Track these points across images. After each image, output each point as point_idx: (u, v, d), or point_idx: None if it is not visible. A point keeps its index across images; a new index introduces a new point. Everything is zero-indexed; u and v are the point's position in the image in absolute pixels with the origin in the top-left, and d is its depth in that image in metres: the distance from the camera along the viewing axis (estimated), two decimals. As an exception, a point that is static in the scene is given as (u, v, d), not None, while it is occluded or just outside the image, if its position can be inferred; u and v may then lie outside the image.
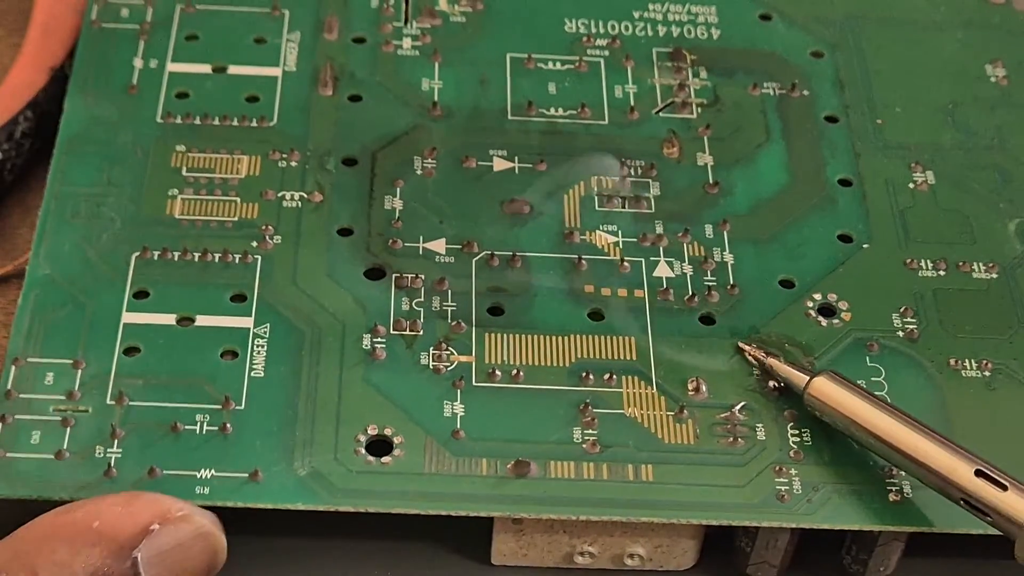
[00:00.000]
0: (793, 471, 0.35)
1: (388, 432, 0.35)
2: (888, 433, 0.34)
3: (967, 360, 0.37)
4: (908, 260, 0.39)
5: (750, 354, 0.36)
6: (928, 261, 0.39)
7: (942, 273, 0.39)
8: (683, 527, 0.35)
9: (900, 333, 0.37)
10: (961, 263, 0.39)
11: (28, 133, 0.42)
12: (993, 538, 0.35)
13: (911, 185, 0.41)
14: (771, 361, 0.36)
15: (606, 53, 0.43)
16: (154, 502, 0.32)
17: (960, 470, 0.33)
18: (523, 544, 0.36)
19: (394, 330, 0.37)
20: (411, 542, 0.37)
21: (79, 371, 0.36)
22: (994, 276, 0.39)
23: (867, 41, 0.44)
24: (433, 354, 0.36)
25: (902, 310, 0.38)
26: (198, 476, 0.34)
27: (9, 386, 0.35)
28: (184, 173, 0.40)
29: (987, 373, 0.37)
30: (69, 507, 0.32)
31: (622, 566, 0.36)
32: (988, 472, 0.33)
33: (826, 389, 0.35)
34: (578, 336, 0.37)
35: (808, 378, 0.35)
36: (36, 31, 0.44)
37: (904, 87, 0.43)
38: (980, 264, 0.39)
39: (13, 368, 0.36)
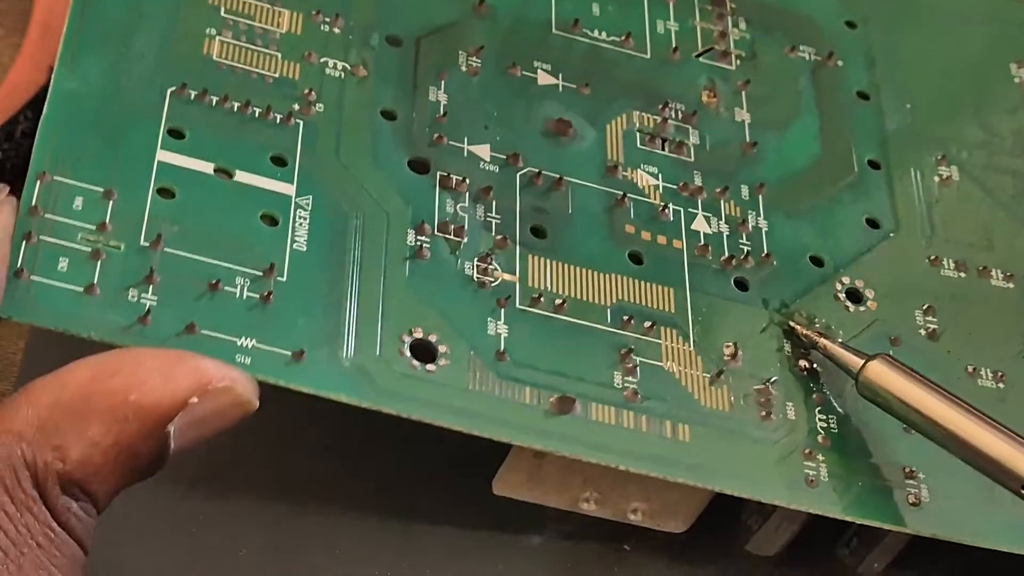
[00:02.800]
0: (820, 457, 0.34)
1: (433, 339, 0.33)
2: (944, 419, 0.34)
3: (983, 369, 0.37)
4: (932, 256, 0.39)
5: (802, 334, 0.36)
6: (950, 260, 0.39)
7: (963, 275, 0.39)
8: (699, 492, 0.34)
9: (922, 331, 0.37)
10: (981, 267, 0.39)
11: (28, 133, 0.40)
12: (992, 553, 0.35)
13: (936, 178, 0.40)
14: (824, 342, 0.35)
15: None
16: (196, 372, 0.29)
17: (1018, 458, 0.33)
18: (535, 479, 0.34)
19: (438, 232, 0.35)
20: (425, 452, 0.35)
21: (110, 202, 0.33)
22: (1010, 286, 0.39)
23: (897, 20, 0.43)
24: (478, 266, 0.35)
25: (925, 307, 0.38)
26: (239, 343, 0.32)
27: (34, 202, 0.32)
28: (222, 14, 0.37)
29: (1001, 385, 0.37)
30: (105, 368, 0.29)
31: (622, 518, 0.35)
32: None
33: (882, 373, 0.34)
34: (619, 276, 0.36)
35: (864, 361, 0.35)
36: (36, 31, 0.43)
37: (931, 74, 0.42)
38: (999, 271, 0.39)
39: (38, 184, 0.32)
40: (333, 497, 0.35)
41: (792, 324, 0.36)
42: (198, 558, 0.34)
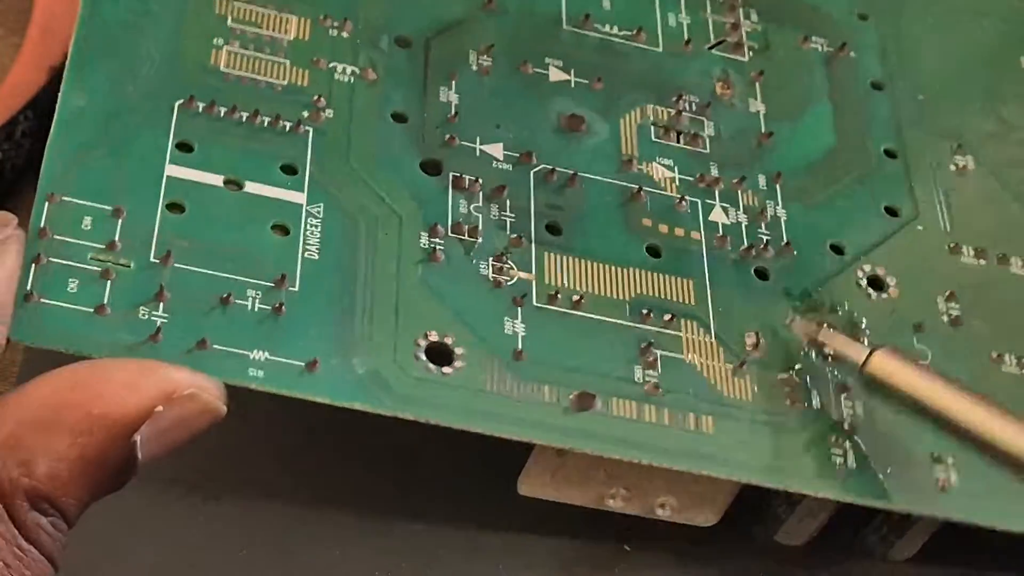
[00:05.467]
0: (847, 444, 0.34)
1: (449, 341, 0.33)
2: (950, 409, 0.34)
3: (1007, 355, 0.37)
4: (952, 244, 0.38)
5: (801, 330, 0.35)
6: (970, 248, 0.38)
7: (983, 262, 0.38)
8: (726, 483, 0.34)
9: (945, 317, 0.37)
10: (1000, 255, 0.38)
11: (28, 133, 0.40)
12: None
13: (953, 167, 0.40)
14: (826, 333, 0.35)
15: None
16: (162, 381, 0.29)
17: None
18: (558, 478, 0.34)
19: (452, 232, 0.35)
20: (427, 454, 0.35)
21: (119, 220, 0.32)
22: None
23: (908, 11, 0.43)
24: (493, 265, 0.34)
25: (947, 294, 0.37)
26: (251, 357, 0.31)
27: (43, 224, 0.32)
28: (229, 23, 0.37)
29: None
30: (68, 381, 0.29)
31: (650, 514, 0.35)
32: None
33: (885, 365, 0.34)
34: (637, 270, 0.35)
35: (867, 353, 0.34)
36: (36, 31, 0.43)
37: (943, 67, 0.42)
38: (1018, 259, 0.38)
39: (47, 205, 0.32)
40: (334, 497, 0.35)
41: (788, 323, 0.36)
42: (198, 558, 0.34)
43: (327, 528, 0.35)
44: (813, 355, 0.35)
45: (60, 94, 0.34)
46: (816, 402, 0.35)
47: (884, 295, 0.37)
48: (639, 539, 0.36)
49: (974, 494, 0.34)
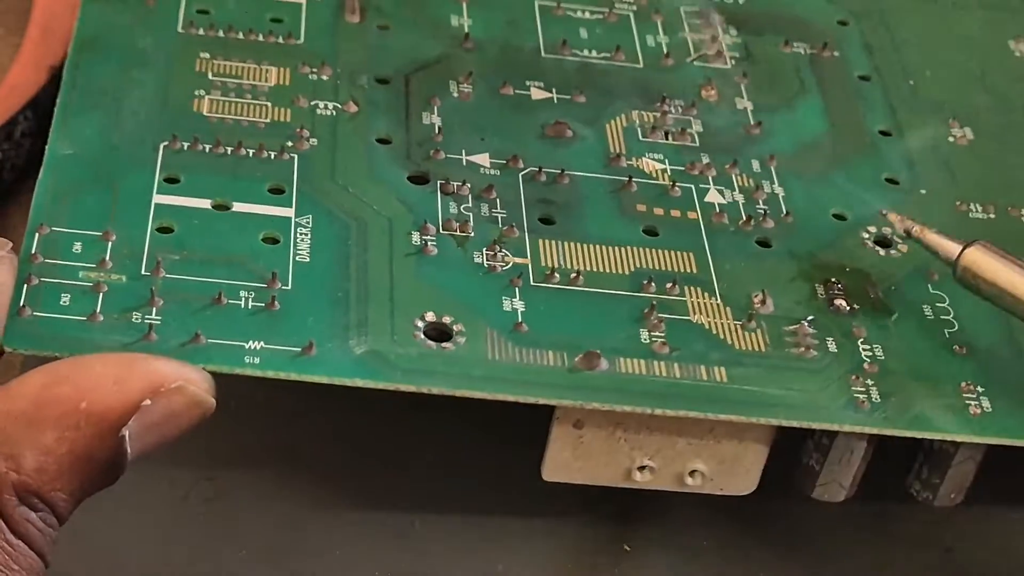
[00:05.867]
0: (869, 381, 0.33)
1: (447, 320, 0.33)
2: None
3: None
4: (957, 203, 0.38)
5: (898, 222, 0.35)
6: (977, 204, 0.38)
7: (992, 216, 0.38)
8: (750, 440, 0.33)
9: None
10: (1009, 207, 0.38)
11: (28, 133, 0.41)
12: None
13: (951, 139, 0.40)
14: (919, 229, 0.35)
15: (635, 8, 0.42)
16: (148, 374, 0.29)
17: None
18: (580, 454, 0.33)
19: (444, 230, 0.35)
20: (427, 455, 0.35)
21: (109, 243, 0.33)
22: None
23: (891, 15, 0.44)
24: (487, 254, 0.34)
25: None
26: (247, 347, 0.31)
27: (33, 250, 0.32)
28: (210, 77, 0.37)
29: None
30: (55, 377, 0.28)
31: (682, 486, 0.34)
32: None
33: (979, 259, 0.33)
34: (634, 248, 0.35)
35: (961, 248, 0.34)
36: (36, 31, 0.43)
37: (932, 55, 0.42)
38: None
39: (36, 235, 0.33)
40: (332, 499, 0.35)
41: (884, 212, 0.36)
42: (198, 559, 0.34)
43: (327, 528, 0.34)
44: (825, 306, 0.35)
45: (48, 146, 0.35)
46: (832, 347, 0.34)
47: (893, 251, 0.36)
48: (639, 539, 0.35)
49: (1011, 414, 0.33)
